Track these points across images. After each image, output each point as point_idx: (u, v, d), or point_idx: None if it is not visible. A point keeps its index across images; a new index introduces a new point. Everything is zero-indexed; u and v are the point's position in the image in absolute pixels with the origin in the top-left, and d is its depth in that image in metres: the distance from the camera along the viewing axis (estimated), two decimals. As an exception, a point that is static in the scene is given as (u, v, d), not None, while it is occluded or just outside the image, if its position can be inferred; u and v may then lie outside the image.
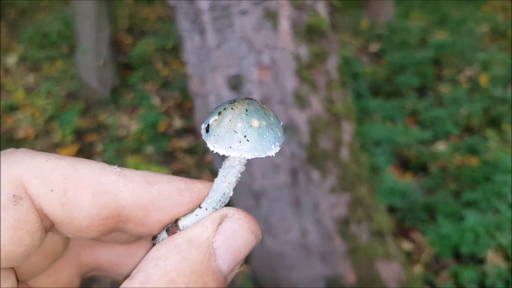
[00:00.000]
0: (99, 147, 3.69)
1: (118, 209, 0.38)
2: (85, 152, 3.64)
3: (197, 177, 3.18)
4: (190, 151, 3.57)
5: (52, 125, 3.99)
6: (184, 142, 3.69)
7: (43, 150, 3.67)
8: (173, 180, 0.41)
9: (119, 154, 3.48)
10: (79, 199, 0.36)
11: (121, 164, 3.28)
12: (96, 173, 0.38)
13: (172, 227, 0.42)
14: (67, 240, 0.44)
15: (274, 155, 0.41)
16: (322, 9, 1.99)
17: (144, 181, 0.40)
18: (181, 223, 0.42)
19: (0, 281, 0.35)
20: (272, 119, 0.42)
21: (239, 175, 0.45)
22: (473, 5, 7.31)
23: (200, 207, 0.42)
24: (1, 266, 0.34)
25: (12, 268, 0.38)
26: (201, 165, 3.38)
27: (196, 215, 0.42)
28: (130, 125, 3.93)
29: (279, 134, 0.42)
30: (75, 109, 4.10)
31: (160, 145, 3.57)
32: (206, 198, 0.43)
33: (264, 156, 0.41)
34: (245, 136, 0.40)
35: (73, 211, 0.36)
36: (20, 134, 3.87)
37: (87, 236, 0.40)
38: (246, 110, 0.41)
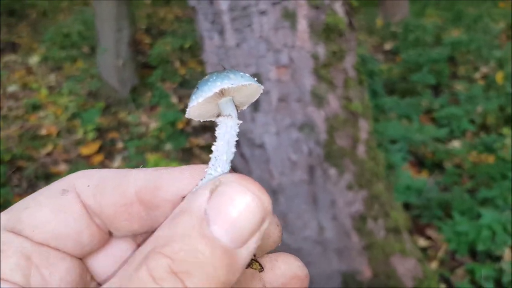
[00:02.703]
0: (120, 145, 3.78)
1: (134, 195, 0.42)
2: (106, 149, 3.73)
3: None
4: (207, 148, 3.64)
5: (74, 123, 4.10)
6: (201, 140, 3.76)
7: (65, 147, 3.77)
8: (178, 167, 0.43)
9: (139, 151, 3.57)
10: (105, 189, 0.42)
11: (142, 160, 3.37)
12: (123, 171, 0.43)
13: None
14: None
15: (224, 88, 0.41)
16: (339, 8, 2.02)
17: (153, 169, 0.43)
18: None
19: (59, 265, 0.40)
20: (226, 71, 0.43)
21: (229, 132, 0.44)
22: (490, 1, 7.22)
23: (201, 180, 0.43)
24: (53, 244, 0.39)
25: (80, 260, 0.42)
26: (219, 162, 3.43)
27: (197, 185, 0.42)
28: (149, 123, 4.02)
29: (232, 76, 0.42)
30: (96, 108, 4.20)
31: (178, 143, 3.65)
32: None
33: (209, 94, 0.41)
34: (196, 88, 0.42)
35: (101, 199, 0.41)
36: (43, 131, 3.98)
37: (123, 229, 0.43)
38: (205, 75, 0.44)
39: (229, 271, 0.34)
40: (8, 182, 3.29)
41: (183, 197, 0.40)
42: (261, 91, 0.46)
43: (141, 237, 0.46)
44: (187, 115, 0.44)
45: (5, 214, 0.40)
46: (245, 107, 0.48)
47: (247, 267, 0.41)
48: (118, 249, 0.45)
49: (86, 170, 0.43)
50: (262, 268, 0.43)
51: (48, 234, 0.39)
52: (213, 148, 0.43)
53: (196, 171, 0.43)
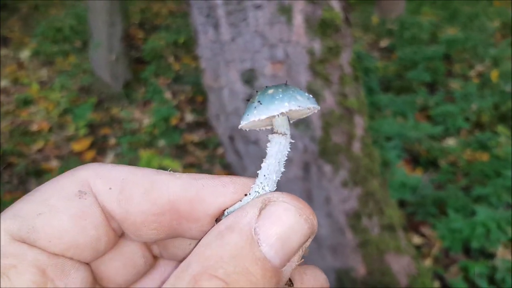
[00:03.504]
0: (112, 141, 3.74)
1: (168, 204, 0.40)
2: (98, 145, 3.69)
3: (209, 170, 3.22)
4: (201, 144, 3.61)
5: (66, 118, 4.05)
6: (195, 136, 3.73)
7: (57, 142, 3.73)
8: (218, 176, 0.42)
9: (132, 147, 3.53)
10: (133, 195, 0.39)
11: (134, 157, 3.33)
12: (149, 174, 0.40)
13: (218, 218, 0.41)
14: (149, 255, 0.44)
15: (292, 109, 0.40)
16: (336, 3, 2.00)
17: (191, 178, 0.41)
18: (226, 212, 0.41)
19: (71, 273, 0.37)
20: (292, 90, 0.42)
21: (281, 151, 0.43)
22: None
23: (245, 195, 0.41)
24: (69, 255, 0.36)
25: (88, 265, 0.40)
26: (213, 158, 3.42)
27: (240, 201, 0.41)
28: (142, 119, 3.98)
29: (299, 98, 0.41)
30: (88, 103, 4.16)
31: (172, 139, 3.61)
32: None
33: (278, 114, 0.40)
34: (259, 101, 0.41)
35: (128, 206, 0.39)
36: (35, 127, 3.93)
37: (147, 236, 0.41)
38: (266, 87, 0.43)
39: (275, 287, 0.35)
40: (-1, 178, 3.25)
41: (224, 211, 0.40)
42: (316, 111, 0.45)
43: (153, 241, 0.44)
44: (241, 126, 0.43)
45: (13, 220, 0.35)
46: (291, 121, 0.47)
47: None
48: (126, 251, 0.43)
49: (99, 166, 0.40)
50: (292, 283, 0.42)
51: (66, 245, 0.36)
52: (263, 165, 0.42)
53: (239, 186, 0.42)
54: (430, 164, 3.31)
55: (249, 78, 1.99)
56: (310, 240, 0.37)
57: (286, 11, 1.89)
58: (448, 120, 3.74)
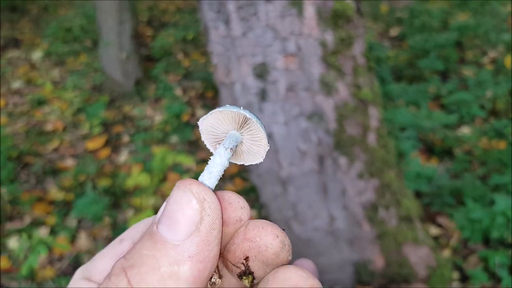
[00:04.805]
0: (126, 138, 3.77)
1: None
2: (112, 143, 3.72)
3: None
4: (214, 140, 3.61)
5: (79, 117, 4.09)
6: (207, 132, 3.73)
7: (71, 142, 3.77)
8: None
9: (146, 144, 3.55)
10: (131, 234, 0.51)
11: (148, 153, 3.35)
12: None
13: None
14: None
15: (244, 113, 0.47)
16: (347, -6, 1.98)
17: None
18: None
19: None
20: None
21: (221, 162, 0.48)
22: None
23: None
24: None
25: None
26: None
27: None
28: (154, 116, 4.00)
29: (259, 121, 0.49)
30: (100, 102, 4.18)
31: (184, 135, 3.63)
32: None
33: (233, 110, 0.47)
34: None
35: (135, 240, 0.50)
36: (49, 127, 3.98)
37: None
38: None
39: (172, 262, 0.38)
40: (16, 179, 3.29)
41: None
42: (263, 155, 0.50)
43: None
44: (201, 128, 0.50)
45: (83, 266, 0.50)
46: (242, 162, 0.52)
47: (240, 279, 0.43)
48: None
49: (141, 221, 0.52)
50: (253, 280, 0.43)
51: None
52: (207, 166, 0.47)
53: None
54: (445, 153, 3.27)
55: (261, 72, 1.98)
56: (207, 215, 0.40)
57: (297, 3, 1.87)
58: (462, 108, 3.68)
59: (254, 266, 0.43)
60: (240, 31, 1.96)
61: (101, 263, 0.48)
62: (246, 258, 0.42)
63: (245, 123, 0.48)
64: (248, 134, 0.49)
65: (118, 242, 0.50)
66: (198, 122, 0.50)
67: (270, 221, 0.44)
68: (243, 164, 0.52)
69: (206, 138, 0.51)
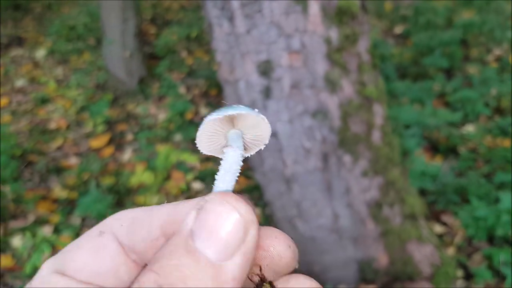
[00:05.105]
0: (130, 136, 3.77)
1: (159, 229, 0.43)
2: (116, 141, 3.73)
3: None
4: (217, 138, 3.61)
5: (83, 116, 4.09)
6: (211, 130, 3.73)
7: (75, 140, 3.77)
8: (196, 199, 0.44)
9: (150, 142, 3.56)
10: (135, 228, 0.44)
11: (152, 152, 3.35)
12: (148, 209, 0.45)
13: None
14: None
15: (240, 113, 0.43)
16: (352, -10, 1.97)
17: (172, 204, 0.45)
18: None
19: None
20: (243, 107, 0.45)
21: (232, 166, 0.45)
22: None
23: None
24: (95, 282, 0.42)
25: None
26: (229, 152, 3.41)
27: None
28: (158, 114, 4.00)
29: (242, 107, 0.45)
30: (104, 100, 4.19)
31: (188, 133, 3.63)
32: None
33: (227, 114, 0.44)
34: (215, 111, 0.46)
35: (132, 237, 0.44)
36: (53, 125, 3.99)
37: None
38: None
39: (214, 284, 0.36)
40: (20, 177, 3.30)
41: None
42: (268, 135, 0.47)
43: None
44: (198, 139, 0.46)
45: (52, 258, 0.44)
46: (253, 152, 0.48)
47: None
48: None
49: (122, 212, 0.46)
50: None
51: (88, 273, 0.42)
52: (217, 178, 0.43)
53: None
54: (450, 151, 3.26)
55: (265, 69, 1.98)
56: (251, 235, 0.38)
57: (301, 0, 1.86)
58: (467, 106, 3.67)
59: (265, 274, 0.42)
60: (244, 28, 1.95)
61: (78, 257, 0.43)
62: (259, 267, 0.42)
63: (233, 119, 0.46)
64: (243, 125, 0.46)
65: (96, 234, 0.45)
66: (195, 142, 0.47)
67: (274, 220, 0.44)
68: (248, 156, 0.49)
69: (204, 148, 0.48)
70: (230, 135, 0.46)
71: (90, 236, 0.45)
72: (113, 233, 0.44)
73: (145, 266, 0.46)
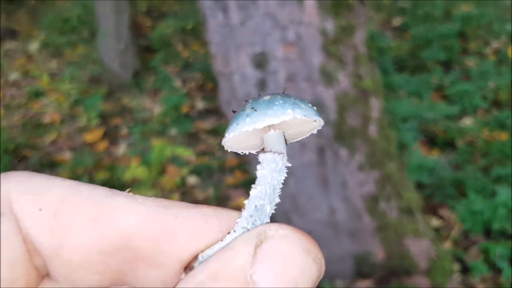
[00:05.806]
0: (124, 130, 3.74)
1: (122, 239, 0.29)
2: (111, 135, 3.69)
3: (221, 158, 3.19)
4: (213, 132, 3.58)
5: (77, 109, 4.06)
6: (207, 124, 3.70)
7: (69, 134, 3.74)
8: (196, 206, 0.32)
9: (144, 136, 3.52)
10: (73, 222, 0.28)
11: (147, 146, 3.32)
12: (99, 194, 0.30)
13: (189, 266, 0.31)
14: None
15: (297, 117, 0.33)
16: (348, -19, 1.93)
17: (158, 205, 0.31)
18: (200, 256, 0.31)
19: None
20: (294, 98, 0.35)
21: (277, 174, 0.34)
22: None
23: (229, 233, 0.32)
24: None
25: None
26: (225, 146, 3.39)
27: (221, 240, 0.31)
28: (153, 108, 3.97)
29: (303, 106, 0.34)
30: (98, 93, 4.15)
31: (183, 127, 3.60)
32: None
33: (276, 121, 0.32)
34: (252, 108, 0.33)
35: (64, 237, 0.28)
36: (46, 119, 3.95)
37: (84, 282, 0.30)
38: (260, 95, 0.36)
39: None
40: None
41: (197, 255, 0.30)
42: (315, 131, 0.38)
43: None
44: (225, 141, 0.35)
45: None
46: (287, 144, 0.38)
47: None
48: None
49: (28, 177, 0.28)
50: None
51: None
52: (252, 193, 0.33)
53: (226, 221, 0.32)
54: (447, 144, 3.25)
55: (260, 62, 1.95)
56: (318, 275, 0.30)
57: (297, -9, 1.83)
58: (465, 99, 3.65)
59: None
60: (238, 19, 1.92)
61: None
62: None
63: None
64: (287, 123, 0.35)
65: None
66: (223, 142, 0.36)
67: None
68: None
69: (234, 148, 0.38)
70: (270, 138, 0.36)
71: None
72: (16, 217, 0.27)
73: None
